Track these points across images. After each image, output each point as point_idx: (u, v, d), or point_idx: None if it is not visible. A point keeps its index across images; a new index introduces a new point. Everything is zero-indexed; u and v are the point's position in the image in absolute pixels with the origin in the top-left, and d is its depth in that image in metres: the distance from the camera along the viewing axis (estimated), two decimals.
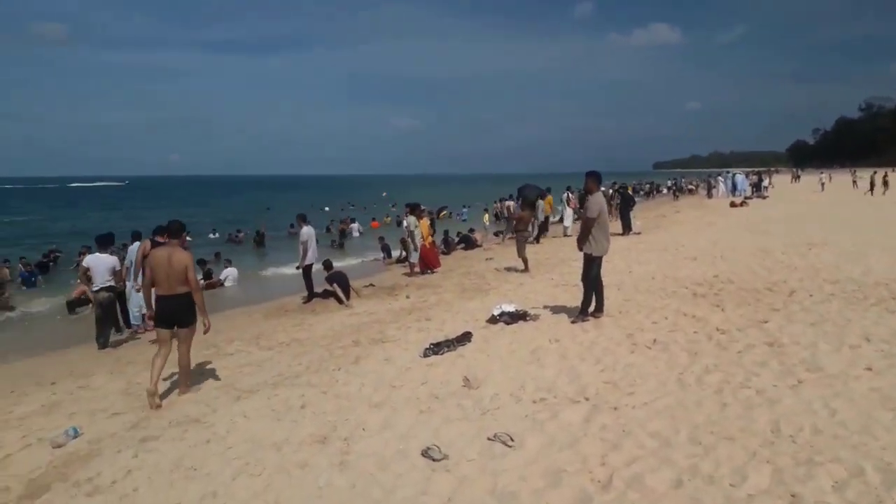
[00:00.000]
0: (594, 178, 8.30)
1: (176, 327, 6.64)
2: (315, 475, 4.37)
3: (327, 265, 12.76)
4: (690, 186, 50.76)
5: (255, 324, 10.99)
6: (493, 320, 8.85)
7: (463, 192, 75.15)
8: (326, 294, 12.14)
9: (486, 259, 16.91)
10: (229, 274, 17.60)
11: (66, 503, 4.28)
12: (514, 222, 15.11)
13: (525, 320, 8.73)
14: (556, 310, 9.26)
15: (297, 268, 13.28)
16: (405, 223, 15.20)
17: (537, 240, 19.66)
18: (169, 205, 67.59)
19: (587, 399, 5.41)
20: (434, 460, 4.43)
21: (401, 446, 4.69)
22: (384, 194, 71.20)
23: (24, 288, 17.65)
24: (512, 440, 4.65)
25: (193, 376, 7.09)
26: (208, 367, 7.91)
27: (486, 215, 29.82)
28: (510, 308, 9.04)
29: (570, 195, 23.73)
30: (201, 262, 17.15)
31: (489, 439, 4.70)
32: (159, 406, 6.34)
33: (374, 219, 34.78)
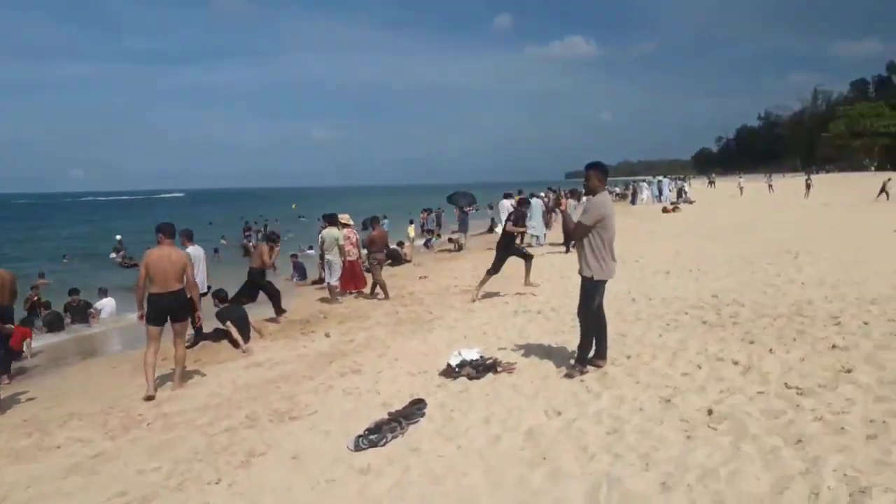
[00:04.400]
0: (598, 171, 5.84)
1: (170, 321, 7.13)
2: None
3: (220, 296, 9.82)
4: (617, 191, 50.10)
5: (117, 384, 7.97)
6: (450, 373, 6.29)
7: (383, 202, 72.12)
8: (218, 335, 9.22)
9: (420, 278, 14.32)
10: (105, 306, 14.17)
11: None
12: (367, 244, 12.41)
13: (496, 372, 6.21)
14: (532, 351, 6.81)
15: None
16: (321, 238, 12.33)
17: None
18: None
19: None
20: None
21: None
22: (293, 206, 66.74)
23: None
24: None
25: None
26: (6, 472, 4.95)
27: (412, 227, 27.22)
28: (473, 354, 6.49)
29: (552, 196, 22.36)
30: (74, 291, 13.65)
31: None
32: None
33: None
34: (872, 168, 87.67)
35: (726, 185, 59.77)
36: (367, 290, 12.64)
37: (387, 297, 11.78)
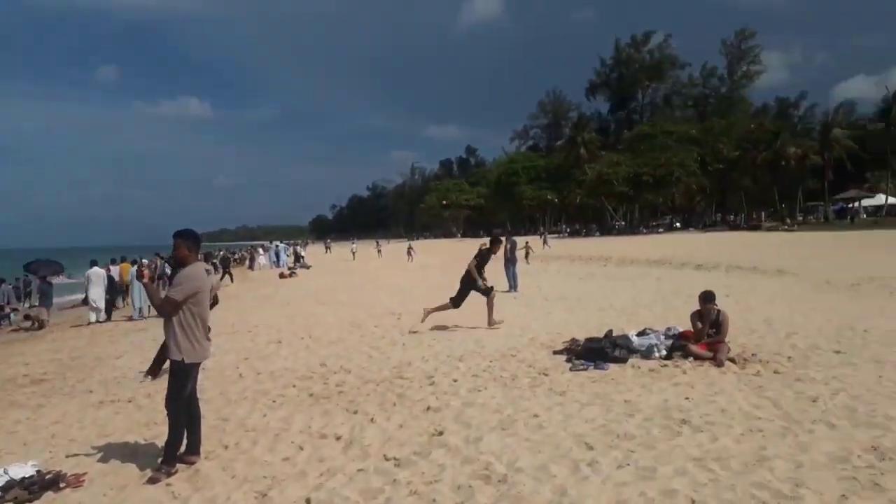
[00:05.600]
0: (188, 240, 5.14)
1: None
2: None
3: None
4: (237, 256, 49.11)
5: None
6: None
7: None
8: None
9: None
10: None
11: None
12: None
13: (58, 489, 4.94)
14: (113, 454, 5.66)
15: None
16: None
17: None
18: None
19: None
20: None
21: None
22: None
23: None
24: None
25: None
26: None
27: None
28: (25, 470, 5.09)
29: (160, 262, 20.12)
30: None
31: None
32: None
33: None
34: (459, 234, 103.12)
35: (341, 249, 63.44)
36: None
37: None
